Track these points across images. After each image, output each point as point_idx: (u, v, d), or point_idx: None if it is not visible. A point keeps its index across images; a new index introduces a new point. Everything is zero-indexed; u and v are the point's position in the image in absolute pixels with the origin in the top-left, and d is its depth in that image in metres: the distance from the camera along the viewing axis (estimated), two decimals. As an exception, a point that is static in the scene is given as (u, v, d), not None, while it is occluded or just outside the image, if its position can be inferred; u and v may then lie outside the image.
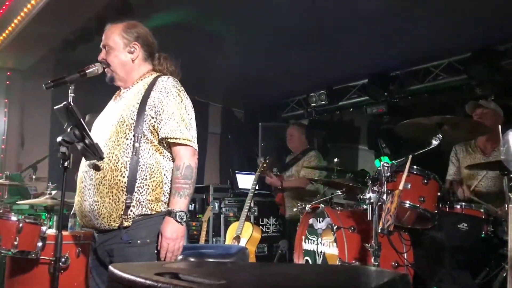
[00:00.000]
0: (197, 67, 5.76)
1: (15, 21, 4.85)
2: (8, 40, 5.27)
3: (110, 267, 0.97)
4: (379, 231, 2.74)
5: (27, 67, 6.28)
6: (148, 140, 2.19)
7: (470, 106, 3.93)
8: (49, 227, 3.25)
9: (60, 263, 2.74)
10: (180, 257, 2.47)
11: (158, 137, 2.20)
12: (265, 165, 4.91)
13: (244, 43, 5.39)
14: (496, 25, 4.52)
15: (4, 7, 4.81)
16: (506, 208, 3.00)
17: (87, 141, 2.09)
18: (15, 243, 2.65)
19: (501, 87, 4.86)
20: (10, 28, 5.03)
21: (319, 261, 3.54)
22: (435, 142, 2.88)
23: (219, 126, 7.83)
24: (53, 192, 3.40)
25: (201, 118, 7.24)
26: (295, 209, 4.29)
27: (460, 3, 4.19)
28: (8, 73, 6.41)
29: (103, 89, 2.52)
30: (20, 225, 2.68)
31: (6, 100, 6.41)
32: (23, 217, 2.76)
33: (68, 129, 2.11)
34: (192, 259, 2.62)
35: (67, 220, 3.17)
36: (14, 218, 2.74)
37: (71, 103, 2.09)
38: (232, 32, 5.13)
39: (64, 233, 2.94)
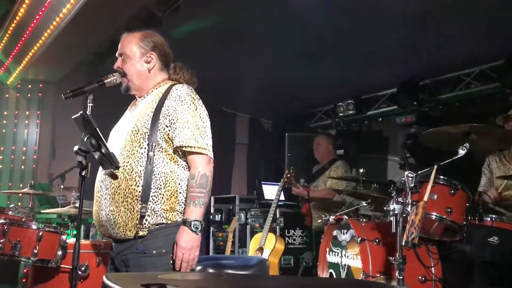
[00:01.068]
0: (225, 78, 5.80)
1: (45, 34, 4.98)
2: (39, 53, 5.42)
3: (104, 278, 0.95)
4: (403, 243, 2.63)
5: (58, 80, 6.45)
6: (162, 149, 2.18)
7: (501, 119, 3.78)
8: (74, 236, 3.28)
9: (80, 272, 2.76)
10: (199, 268, 2.45)
11: (172, 146, 2.19)
12: (289, 175, 4.85)
13: (271, 53, 5.38)
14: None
15: (34, 21, 4.95)
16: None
17: (103, 150, 2.10)
18: (35, 251, 2.68)
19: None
20: (40, 41, 5.16)
21: (343, 274, 3.45)
22: (462, 152, 2.77)
23: (246, 136, 7.82)
24: (77, 201, 3.43)
25: (229, 128, 7.27)
26: (320, 221, 4.21)
27: (491, 8, 4.07)
28: (40, 85, 6.59)
29: (124, 99, 2.54)
30: (40, 233, 2.71)
31: (39, 112, 6.59)
32: (43, 225, 2.79)
33: (85, 138, 2.12)
34: (210, 270, 2.58)
35: (88, 229, 3.20)
36: (34, 226, 2.78)
37: (87, 112, 2.10)
38: (259, 43, 5.13)
39: (85, 242, 2.97)
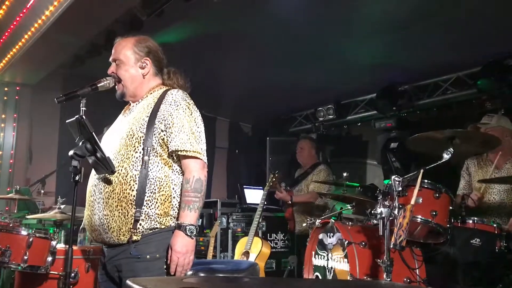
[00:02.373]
0: (204, 81, 5.78)
1: (25, 36, 4.90)
2: (17, 55, 5.32)
3: (128, 282, 0.95)
4: (391, 246, 2.69)
5: (36, 82, 6.33)
6: (157, 153, 2.18)
7: (472, 129, 3.85)
8: (57, 242, 3.23)
9: (70, 278, 2.72)
10: (189, 272, 2.44)
11: (167, 150, 2.20)
12: (274, 179, 4.88)
13: (252, 57, 5.41)
14: (505, 39, 4.51)
15: (14, 23, 4.86)
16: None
17: (98, 155, 2.09)
18: (25, 257, 2.64)
19: (511, 101, 4.83)
20: (20, 44, 5.08)
21: (329, 276, 3.48)
22: (446, 156, 2.84)
23: (226, 140, 7.83)
24: (62, 206, 3.39)
25: (208, 132, 7.15)
26: (304, 224, 4.24)
27: (468, 17, 4.20)
28: (17, 88, 6.46)
29: (115, 103, 2.53)
30: (30, 239, 2.67)
31: (15, 115, 6.46)
32: (33, 231, 2.75)
33: (80, 143, 2.11)
34: (202, 274, 2.59)
35: (76, 234, 3.16)
36: (24, 232, 2.73)
37: (83, 116, 2.09)
38: (240, 47, 5.15)
39: (74, 247, 2.92)
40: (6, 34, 5.11)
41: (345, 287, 1.40)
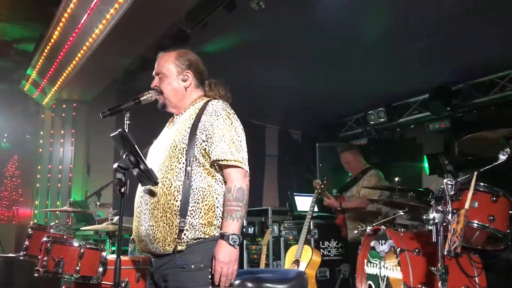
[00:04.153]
0: (253, 90, 5.82)
1: (79, 55, 5.12)
2: (72, 73, 5.57)
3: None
4: (446, 253, 2.57)
5: (91, 98, 6.60)
6: (200, 163, 2.20)
7: None
8: (113, 252, 3.33)
9: (120, 288, 2.78)
10: (237, 282, 2.43)
11: (209, 160, 2.21)
12: (322, 186, 4.80)
13: (298, 63, 5.39)
14: None
15: (68, 43, 5.09)
16: None
17: (142, 167, 2.12)
18: (77, 268, 2.73)
19: None
20: (74, 62, 5.31)
21: (382, 285, 3.38)
22: (502, 157, 2.69)
23: (276, 148, 7.81)
24: (115, 218, 3.48)
25: (258, 140, 7.27)
26: (356, 231, 4.14)
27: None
28: (74, 104, 6.76)
29: (162, 116, 2.58)
30: (82, 250, 2.76)
31: (73, 131, 6.75)
32: (84, 242, 2.84)
33: (124, 156, 2.16)
34: (249, 284, 2.56)
35: (125, 245, 3.23)
36: (76, 244, 2.83)
37: (126, 130, 2.14)
38: (285, 54, 5.15)
39: (124, 258, 2.99)
40: (62, 53, 5.36)
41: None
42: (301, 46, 4.96)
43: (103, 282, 2.84)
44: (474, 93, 5.55)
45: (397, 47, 4.88)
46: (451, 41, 4.65)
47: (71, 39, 5.01)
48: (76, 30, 4.83)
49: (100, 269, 2.81)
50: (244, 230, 6.19)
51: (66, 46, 5.19)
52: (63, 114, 6.79)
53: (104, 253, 2.87)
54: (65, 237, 2.99)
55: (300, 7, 4.23)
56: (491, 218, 2.82)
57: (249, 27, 4.64)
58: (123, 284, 2.79)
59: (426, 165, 5.72)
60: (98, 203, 5.05)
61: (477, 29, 4.38)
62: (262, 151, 7.34)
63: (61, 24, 4.94)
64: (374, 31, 4.63)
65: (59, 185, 6.56)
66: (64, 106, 6.78)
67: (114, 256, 3.09)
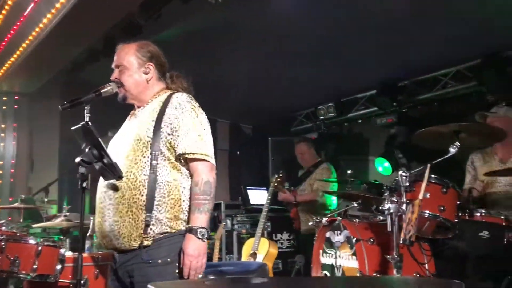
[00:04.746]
0: (204, 84, 5.76)
1: (23, 45, 4.89)
2: (15, 64, 5.31)
3: (150, 286, 0.94)
4: (401, 242, 2.68)
5: (34, 90, 6.31)
6: (165, 157, 2.18)
7: (479, 116, 3.87)
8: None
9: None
10: (200, 276, 2.43)
11: (175, 154, 2.19)
12: (278, 179, 4.88)
13: (251, 57, 5.39)
14: (503, 31, 4.50)
15: (11, 32, 4.84)
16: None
17: (105, 161, 2.07)
18: (34, 266, 2.62)
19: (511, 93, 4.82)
20: (18, 53, 5.06)
21: (338, 274, 3.48)
22: (452, 150, 2.83)
23: (227, 142, 7.81)
24: (68, 214, 3.37)
25: (210, 135, 7.21)
26: (310, 223, 4.23)
27: (466, 9, 4.19)
28: (16, 97, 6.45)
29: (119, 109, 2.52)
30: (39, 248, 2.65)
31: (15, 124, 6.44)
32: (41, 240, 2.73)
33: (86, 149, 2.10)
34: (212, 277, 2.58)
35: (84, 242, 3.14)
36: (32, 241, 2.71)
37: (89, 122, 2.08)
38: (237, 47, 5.14)
39: (83, 255, 2.90)
40: (3, 43, 5.09)
41: (359, 283, 1.39)
42: (254, 40, 4.97)
43: (60, 280, 2.75)
44: (419, 89, 5.78)
45: (346, 43, 4.99)
46: (398, 39, 4.80)
47: (15, 28, 4.77)
48: (21, 19, 4.60)
49: (58, 267, 2.72)
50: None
51: (8, 36, 4.93)
52: (4, 107, 6.46)
53: (62, 250, 2.78)
54: (18, 234, 2.87)
55: (255, 1, 4.24)
56: (442, 208, 2.96)
57: (202, 18, 4.58)
58: (82, 281, 2.71)
59: (385, 165, 5.86)
60: (46, 200, 4.86)
61: (422, 28, 4.54)
62: (213, 146, 7.26)
63: (4, 11, 4.69)
64: (324, 27, 4.71)
65: (0, 181, 6.25)
66: (5, 98, 6.45)
67: (70, 253, 3.01)
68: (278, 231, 5.48)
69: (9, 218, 5.83)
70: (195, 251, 2.10)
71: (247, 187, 6.20)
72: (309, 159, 5.37)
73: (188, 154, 2.18)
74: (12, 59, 5.27)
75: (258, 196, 6.13)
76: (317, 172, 5.21)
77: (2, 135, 6.40)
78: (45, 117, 6.21)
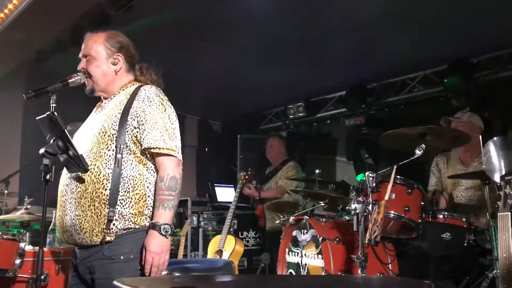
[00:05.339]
0: (173, 78, 5.68)
1: (-14, 31, 4.70)
2: (-23, 51, 5.11)
3: (116, 283, 0.91)
4: (366, 241, 2.71)
5: (-3, 79, 6.09)
6: (130, 151, 2.13)
7: (444, 121, 3.96)
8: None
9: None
10: (164, 273, 2.40)
11: (141, 148, 2.14)
12: (247, 177, 4.87)
13: (221, 54, 5.35)
14: (470, 37, 4.61)
15: (-26, 17, 4.66)
16: (488, 217, 3.04)
17: (71, 153, 2.01)
18: (-9, 260, 2.53)
19: (476, 99, 4.95)
20: (-20, 39, 4.87)
21: (303, 273, 3.50)
22: (418, 152, 2.88)
23: (195, 138, 7.74)
24: (29, 207, 3.27)
25: (178, 130, 7.14)
26: (277, 222, 4.24)
27: (435, 15, 4.27)
28: (-22, 85, 6.20)
29: (85, 99, 2.45)
30: (-4, 241, 2.56)
31: (-25, 113, 6.19)
32: (0, 233, 2.63)
33: (51, 141, 2.03)
34: (177, 274, 2.54)
35: (45, 236, 3.05)
36: (-11, 234, 2.62)
37: (55, 113, 2.01)
38: (210, 44, 5.10)
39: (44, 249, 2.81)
40: (-35, 28, 4.89)
41: (322, 282, 1.39)
42: (225, 36, 4.94)
43: (19, 274, 2.65)
44: (387, 92, 5.86)
45: (317, 44, 5.01)
46: (367, 42, 4.86)
47: (-23, 13, 4.59)
48: (-15, 4, 4.43)
49: (17, 261, 2.62)
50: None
51: (-30, 21, 4.74)
52: (-36, 95, 6.21)
53: (22, 244, 2.68)
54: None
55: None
56: (406, 208, 3.03)
57: (174, 12, 4.52)
58: (43, 277, 2.63)
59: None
60: (6, 192, 4.70)
61: (392, 32, 4.61)
62: (181, 142, 7.20)
63: (-34, -5, 4.51)
64: (296, 27, 4.72)
65: (-43, 172, 6.00)
66: (-34, 86, 6.20)
67: (30, 247, 2.91)
68: (244, 228, 5.46)
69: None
70: (157, 247, 2.06)
71: (215, 184, 6.17)
72: (277, 154, 5.39)
73: (154, 148, 2.13)
74: (-27, 46, 5.07)
75: (225, 193, 6.10)
76: (283, 169, 5.23)
77: (-39, 124, 6.15)
78: (7, 107, 5.98)
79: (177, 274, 2.53)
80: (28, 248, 2.81)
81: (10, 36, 4.72)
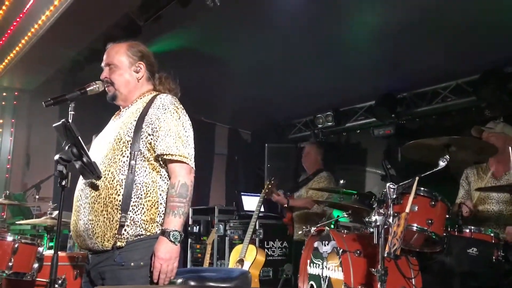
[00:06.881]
0: (204, 88, 5.77)
1: (23, 41, 4.88)
2: (15, 60, 5.30)
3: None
4: (386, 255, 2.64)
5: (34, 87, 6.31)
6: (144, 158, 2.16)
7: (475, 130, 3.84)
8: (50, 248, 3.19)
9: (57, 285, 2.67)
10: (179, 281, 2.40)
11: (155, 155, 2.16)
12: (270, 186, 4.83)
13: (252, 64, 5.38)
14: (504, 46, 4.47)
15: (11, 27, 4.85)
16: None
17: (84, 159, 2.05)
18: (10, 264, 2.58)
19: (509, 109, 4.78)
20: (17, 48, 5.06)
21: (324, 286, 3.43)
22: (442, 164, 2.79)
23: (225, 147, 7.78)
24: (54, 212, 3.34)
25: (208, 139, 7.21)
26: (300, 232, 4.19)
27: (468, 24, 4.17)
28: (16, 93, 6.44)
29: (108, 109, 2.51)
30: (16, 245, 2.61)
31: (13, 120, 6.43)
32: (19, 237, 2.70)
33: (66, 147, 2.08)
34: (192, 283, 2.54)
35: (65, 240, 3.11)
36: (9, 238, 2.68)
37: (69, 120, 2.06)
38: (240, 54, 5.14)
39: (62, 254, 2.87)
40: (4, 38, 5.09)
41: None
42: (255, 45, 4.96)
43: (37, 278, 2.71)
44: (418, 102, 5.74)
45: (346, 53, 4.97)
46: (398, 51, 4.79)
47: (14, 23, 4.77)
48: (21, 15, 4.60)
49: (36, 265, 2.68)
50: (189, 228, 6.13)
51: (9, 31, 4.93)
52: (3, 103, 6.43)
53: (40, 249, 2.74)
54: (-3, 231, 2.85)
55: (254, 6, 4.23)
56: (430, 221, 2.92)
57: (203, 23, 4.58)
58: (60, 281, 2.68)
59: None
60: (37, 197, 4.84)
61: (423, 41, 4.52)
62: (211, 150, 7.26)
63: (4, 7, 4.69)
64: (325, 37, 4.70)
65: (-5, 176, 6.23)
66: (4, 94, 6.43)
67: (51, 252, 2.97)
68: (270, 238, 5.41)
69: (2, 214, 5.81)
70: (166, 254, 2.06)
71: (242, 193, 6.16)
72: (312, 163, 5.30)
73: (166, 155, 2.15)
74: (12, 55, 5.26)
75: (252, 202, 6.08)
76: (315, 180, 5.15)
77: (0, 130, 6.39)
78: (44, 114, 6.16)
79: (192, 283, 2.53)
80: (48, 252, 2.86)
81: (45, 45, 4.88)
